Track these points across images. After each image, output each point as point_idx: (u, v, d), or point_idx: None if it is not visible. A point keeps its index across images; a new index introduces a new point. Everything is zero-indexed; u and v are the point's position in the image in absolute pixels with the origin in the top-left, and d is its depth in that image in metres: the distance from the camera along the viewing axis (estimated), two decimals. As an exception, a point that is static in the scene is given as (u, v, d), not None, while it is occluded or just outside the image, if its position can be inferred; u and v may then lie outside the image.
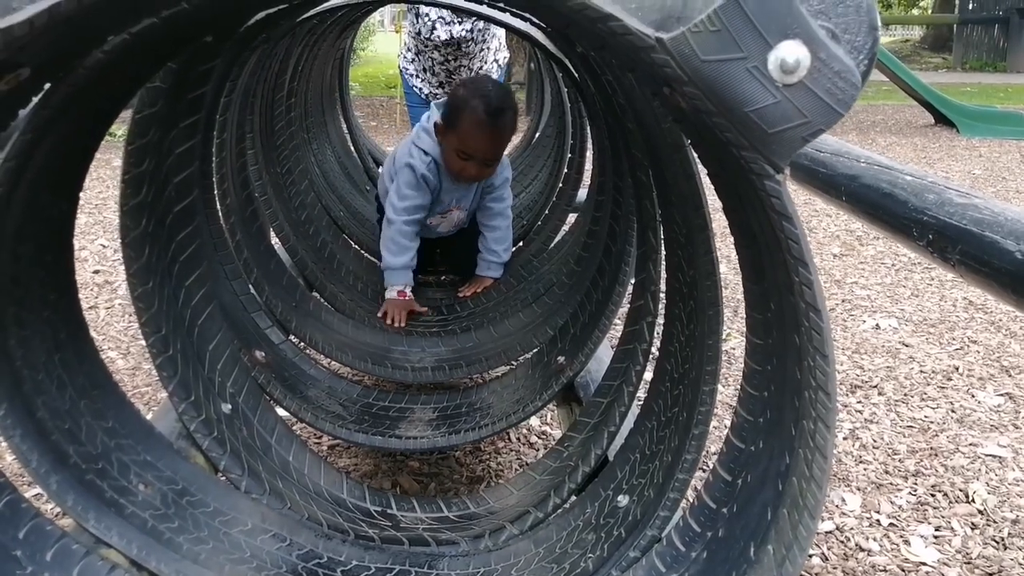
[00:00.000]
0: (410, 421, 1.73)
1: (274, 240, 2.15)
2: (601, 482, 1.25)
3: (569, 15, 0.68)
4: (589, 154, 2.35)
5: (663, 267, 1.26)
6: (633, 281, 1.43)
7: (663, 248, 1.25)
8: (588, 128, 2.14)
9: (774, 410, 0.90)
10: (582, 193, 2.46)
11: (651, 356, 1.44)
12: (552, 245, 2.43)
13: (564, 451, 1.45)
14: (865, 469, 2.36)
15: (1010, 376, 3.00)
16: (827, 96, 0.65)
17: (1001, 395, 2.83)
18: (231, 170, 1.80)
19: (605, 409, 1.39)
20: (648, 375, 1.41)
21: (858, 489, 2.25)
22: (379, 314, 2.16)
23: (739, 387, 0.98)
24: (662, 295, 1.38)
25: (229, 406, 1.41)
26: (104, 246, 4.37)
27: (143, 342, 3.18)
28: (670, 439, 1.12)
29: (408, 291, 2.25)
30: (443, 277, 2.61)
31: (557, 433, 2.45)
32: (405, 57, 4.88)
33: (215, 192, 1.66)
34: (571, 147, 2.59)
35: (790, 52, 0.64)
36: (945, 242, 1.25)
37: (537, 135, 3.73)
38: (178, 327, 1.35)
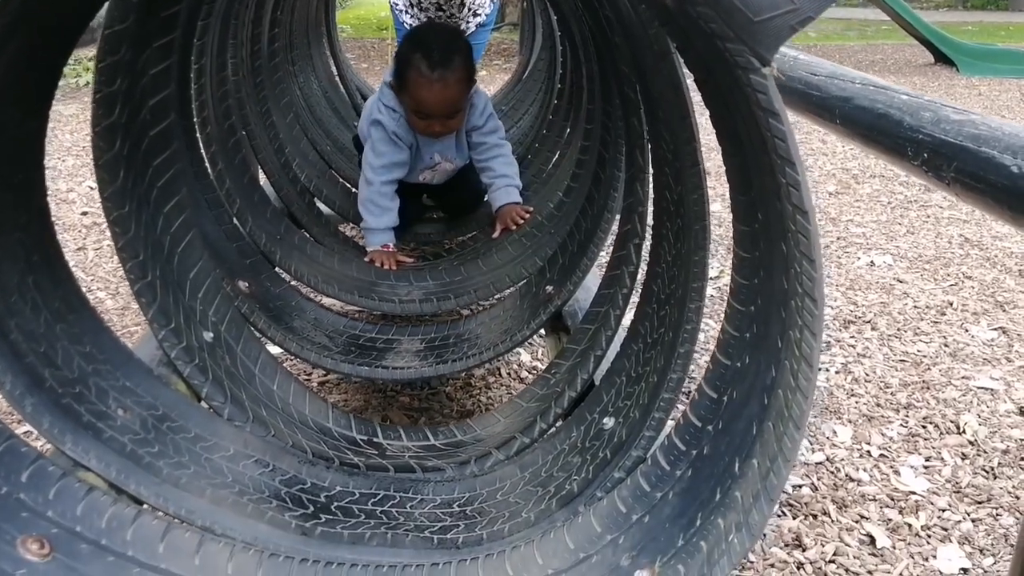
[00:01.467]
0: (397, 352, 1.71)
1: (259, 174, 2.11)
2: (587, 406, 1.23)
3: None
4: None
5: (651, 188, 1.24)
6: (622, 206, 1.40)
7: (651, 168, 1.22)
8: (580, 56, 2.08)
9: (760, 324, 0.88)
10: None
11: (638, 279, 1.42)
12: (542, 177, 2.39)
13: (551, 378, 1.43)
14: (857, 402, 2.35)
15: (1004, 311, 2.99)
16: (817, -20, 0.61)
17: (995, 329, 2.83)
18: (212, 98, 1.76)
19: (592, 335, 1.38)
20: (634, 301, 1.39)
21: (849, 421, 2.25)
22: (366, 260, 2.12)
23: (726, 303, 0.96)
24: (649, 217, 1.35)
25: (211, 334, 1.39)
26: (92, 188, 4.31)
27: (131, 280, 3.14)
28: (656, 360, 1.10)
29: (392, 245, 2.17)
30: (434, 215, 2.57)
31: (548, 367, 2.45)
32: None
33: (195, 119, 1.62)
34: (560, 77, 2.54)
35: (778, -68, 0.60)
36: (940, 160, 1.21)
37: (528, 70, 3.66)
38: (156, 253, 1.32)
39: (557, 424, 1.32)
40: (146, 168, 1.33)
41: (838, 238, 3.75)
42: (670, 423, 1.07)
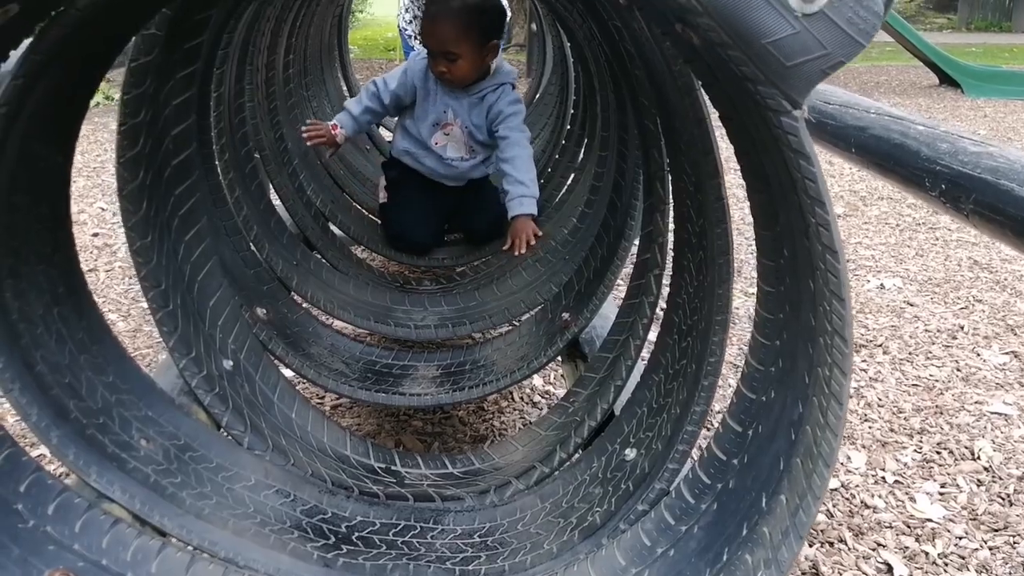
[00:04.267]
0: (413, 379, 1.72)
1: (273, 198, 2.12)
2: (608, 436, 1.23)
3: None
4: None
5: (671, 218, 1.24)
6: (639, 235, 1.40)
7: (671, 199, 1.23)
8: (594, 83, 2.10)
9: (787, 359, 0.88)
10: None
11: (658, 309, 1.42)
12: (554, 202, 2.40)
13: (569, 406, 1.43)
14: (870, 427, 2.35)
15: (1015, 335, 2.98)
16: (848, 26, 0.62)
17: (1006, 353, 2.82)
18: (229, 125, 1.77)
19: (611, 364, 1.38)
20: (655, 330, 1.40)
21: (863, 447, 2.25)
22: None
23: (750, 336, 0.96)
24: (670, 247, 1.36)
25: (231, 362, 1.39)
26: (103, 209, 4.34)
27: (144, 304, 3.16)
28: (678, 391, 1.10)
29: (340, 129, 2.38)
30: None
31: (561, 392, 2.45)
32: (403, 18, 4.84)
33: (214, 147, 1.63)
34: (574, 103, 2.55)
35: (811, -21, 0.61)
36: (959, 192, 1.22)
37: (539, 94, 3.68)
38: (178, 282, 1.33)
39: (577, 454, 1.32)
40: (168, 197, 1.34)
41: (847, 261, 3.75)
42: (694, 455, 1.07)
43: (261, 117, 2.02)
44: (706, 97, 0.97)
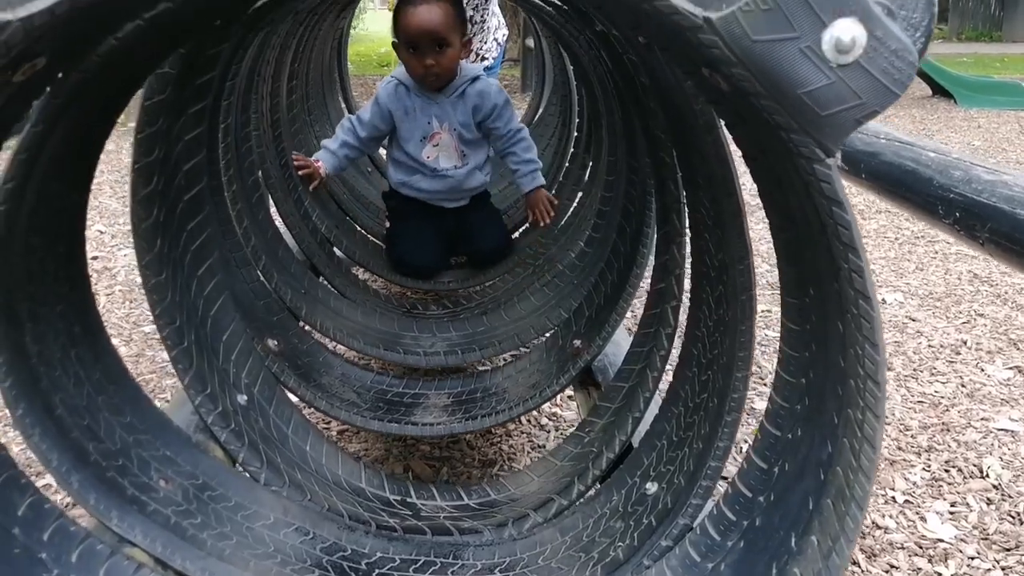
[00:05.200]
0: (425, 407, 1.71)
1: (279, 226, 2.12)
2: (627, 469, 1.23)
3: (611, -5, 0.66)
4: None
5: (688, 249, 1.24)
6: (653, 263, 1.40)
7: (687, 230, 1.23)
8: (599, 107, 2.10)
9: (813, 397, 0.88)
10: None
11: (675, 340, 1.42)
12: (559, 225, 2.40)
13: (584, 436, 1.43)
14: (878, 445, 2.34)
15: (1018, 349, 2.99)
16: (883, 76, 0.62)
17: (1010, 368, 2.83)
18: (236, 155, 1.77)
19: (627, 394, 1.37)
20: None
21: (871, 465, 2.24)
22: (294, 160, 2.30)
23: (774, 373, 0.96)
24: (686, 278, 1.36)
25: (245, 397, 1.39)
26: (101, 232, 4.33)
27: (144, 329, 3.14)
28: (699, 425, 1.10)
29: (320, 163, 2.35)
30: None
31: (568, 415, 2.44)
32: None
33: (222, 179, 1.63)
34: (578, 126, 2.56)
35: (846, 31, 0.61)
36: (973, 220, 1.22)
37: (539, 114, 3.69)
38: (191, 317, 1.32)
39: (595, 486, 1.31)
40: (180, 233, 1.34)
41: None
42: (718, 490, 1.07)
43: (266, 145, 2.02)
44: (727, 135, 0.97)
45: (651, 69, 1.09)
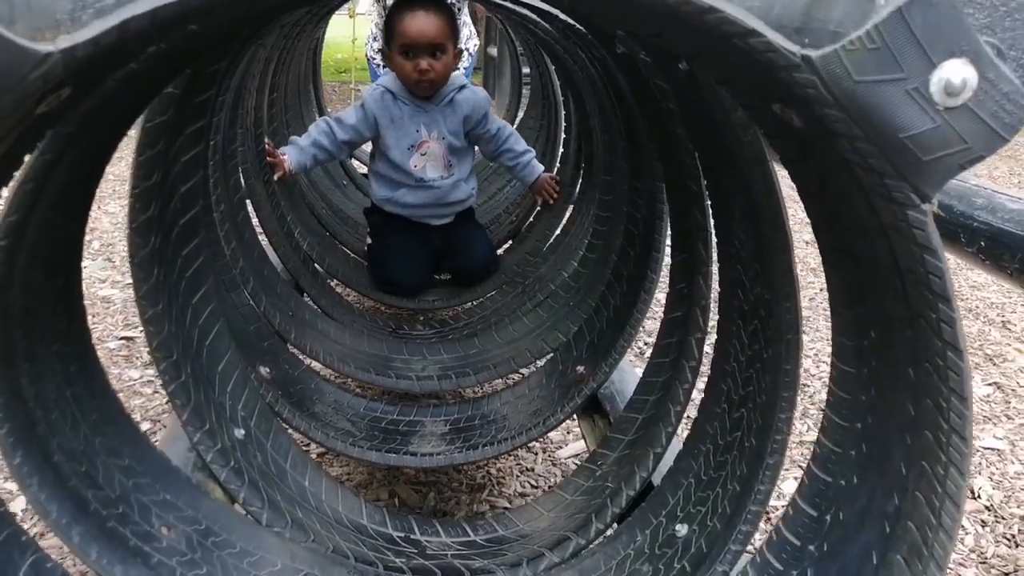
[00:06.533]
0: (422, 436, 1.65)
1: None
2: (650, 508, 1.18)
3: (699, 29, 0.61)
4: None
5: (714, 280, 1.20)
6: (669, 289, 1.36)
7: (714, 260, 1.19)
8: (591, 124, 2.06)
9: (872, 444, 0.84)
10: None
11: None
12: (549, 243, 2.36)
13: (596, 470, 1.38)
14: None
15: (995, 364, 3.01)
16: (992, 120, 0.59)
17: (989, 384, 2.84)
18: (224, 173, 1.69)
19: (642, 426, 1.33)
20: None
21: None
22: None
23: (823, 415, 0.92)
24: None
25: (242, 431, 1.31)
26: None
27: (108, 345, 3.01)
28: (733, 465, 1.06)
29: (288, 160, 2.22)
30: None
31: (555, 436, 2.39)
32: (372, 47, 4.79)
33: (212, 199, 1.56)
34: (564, 141, 2.52)
35: (956, 72, 0.57)
36: (1000, 249, 1.20)
37: (515, 126, 3.64)
38: (187, 349, 1.25)
39: (614, 525, 1.27)
40: (175, 259, 1.27)
41: (821, 289, 3.77)
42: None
43: (251, 161, 1.94)
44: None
45: (686, 97, 1.04)
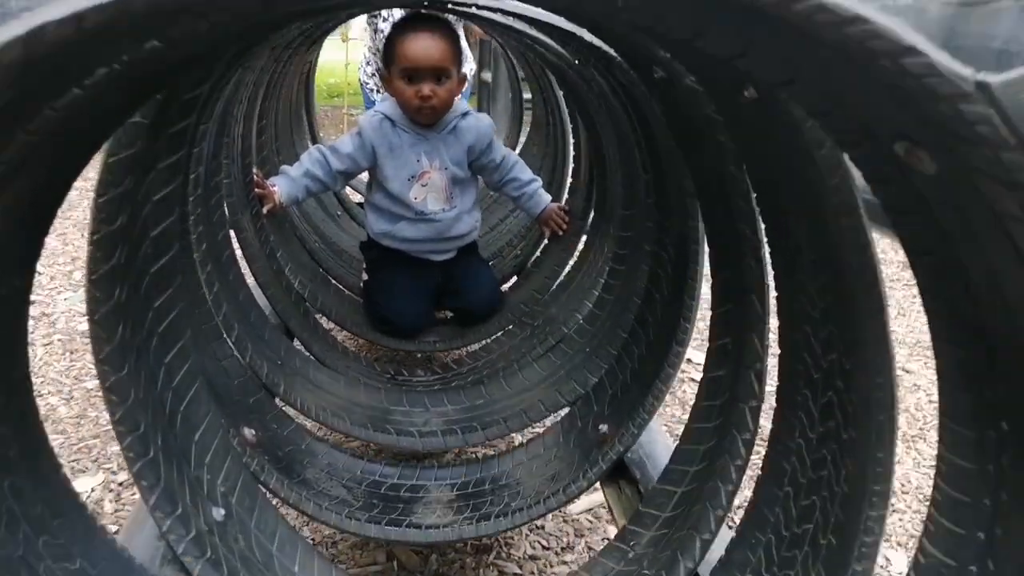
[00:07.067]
0: (426, 503, 1.47)
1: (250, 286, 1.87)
2: (699, 607, 1.01)
3: (825, 44, 0.45)
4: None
5: (769, 339, 1.04)
6: (711, 343, 1.20)
7: (768, 317, 1.03)
8: (606, 153, 1.91)
9: (1001, 561, 0.68)
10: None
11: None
12: (559, 281, 2.19)
13: (628, 550, 1.21)
14: (900, 519, 2.17)
15: (1025, 401, 2.85)
16: None
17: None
18: (206, 209, 1.53)
19: (682, 503, 1.16)
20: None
21: (899, 544, 2.06)
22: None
23: (925, 514, 0.76)
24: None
25: (222, 510, 1.14)
26: (39, 272, 4.00)
27: (87, 385, 2.82)
28: (806, 567, 0.89)
29: (278, 192, 2.07)
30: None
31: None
32: (365, 71, 4.68)
33: (192, 238, 1.39)
34: (572, 171, 2.36)
35: None
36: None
37: (517, 152, 3.49)
38: (158, 418, 1.08)
39: (655, 624, 1.09)
40: (146, 313, 1.10)
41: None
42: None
43: (237, 194, 1.78)
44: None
45: (749, 131, 0.88)
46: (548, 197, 2.35)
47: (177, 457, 1.10)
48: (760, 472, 1.01)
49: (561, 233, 2.31)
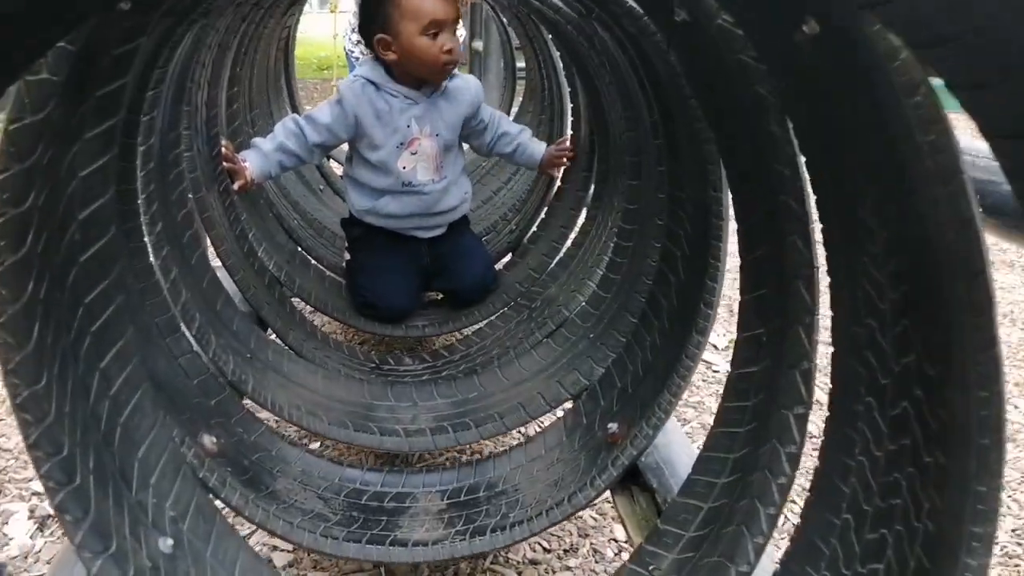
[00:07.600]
0: (413, 515, 1.31)
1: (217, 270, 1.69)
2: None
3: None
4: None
5: (816, 332, 0.87)
6: (739, 331, 1.03)
7: (818, 307, 0.86)
8: (607, 118, 1.73)
9: None
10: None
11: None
12: (557, 259, 2.01)
13: (647, 574, 1.05)
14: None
15: (1050, 381, 2.69)
16: None
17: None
18: (162, 185, 1.35)
19: (710, 521, 1.00)
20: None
21: None
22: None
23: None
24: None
25: (170, 540, 0.97)
26: None
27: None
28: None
29: (250, 168, 1.89)
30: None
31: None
32: (350, 39, 4.54)
33: (142, 220, 1.21)
34: (572, 140, 2.18)
35: None
36: None
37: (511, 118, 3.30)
38: (87, 437, 0.90)
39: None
40: (74, 312, 0.92)
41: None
42: None
43: (202, 168, 1.60)
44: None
45: (801, 80, 0.71)
46: (542, 143, 2.22)
47: (113, 482, 0.92)
48: (808, 493, 0.84)
49: (567, 162, 2.16)
